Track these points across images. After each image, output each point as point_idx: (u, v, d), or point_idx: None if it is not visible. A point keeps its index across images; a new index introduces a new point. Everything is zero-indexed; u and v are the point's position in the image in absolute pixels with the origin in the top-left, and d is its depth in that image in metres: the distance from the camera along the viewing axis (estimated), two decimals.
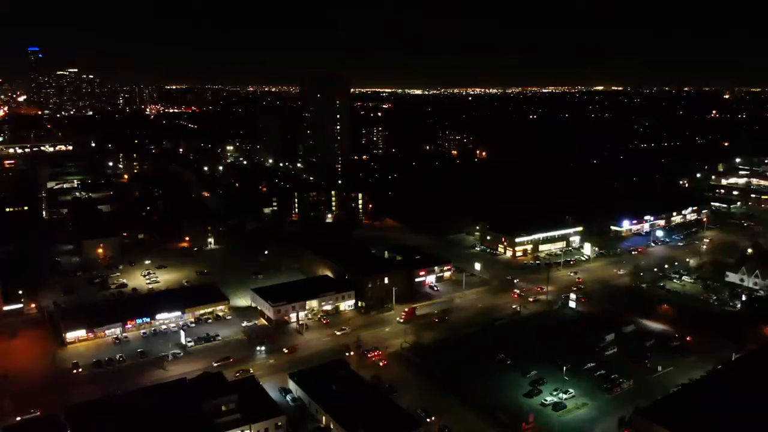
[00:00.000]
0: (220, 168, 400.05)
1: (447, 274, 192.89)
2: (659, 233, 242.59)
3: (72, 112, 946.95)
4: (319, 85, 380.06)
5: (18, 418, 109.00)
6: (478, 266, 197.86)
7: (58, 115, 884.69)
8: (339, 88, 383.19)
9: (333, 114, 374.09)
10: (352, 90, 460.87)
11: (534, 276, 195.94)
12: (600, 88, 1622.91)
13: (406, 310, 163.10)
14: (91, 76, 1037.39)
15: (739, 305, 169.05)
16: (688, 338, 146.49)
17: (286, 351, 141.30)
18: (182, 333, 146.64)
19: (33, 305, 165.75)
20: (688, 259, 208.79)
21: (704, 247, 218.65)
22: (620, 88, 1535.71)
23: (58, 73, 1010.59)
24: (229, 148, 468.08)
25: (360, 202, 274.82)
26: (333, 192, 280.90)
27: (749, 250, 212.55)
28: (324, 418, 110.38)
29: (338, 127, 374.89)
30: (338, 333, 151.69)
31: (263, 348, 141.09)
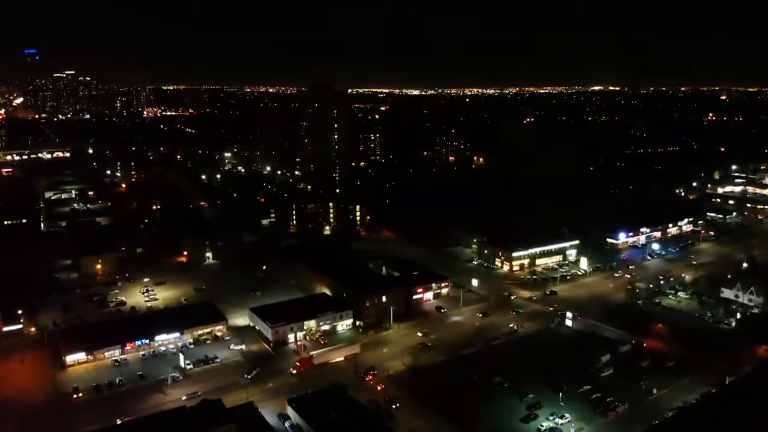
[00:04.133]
0: (218, 176, 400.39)
1: (444, 291, 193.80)
2: (655, 246, 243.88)
3: (69, 116, 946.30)
4: (318, 95, 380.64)
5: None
6: (475, 282, 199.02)
7: (56, 119, 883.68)
8: (338, 97, 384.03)
9: (331, 123, 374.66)
10: (349, 91, 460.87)
11: (531, 291, 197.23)
12: (598, 88, 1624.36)
13: (300, 359, 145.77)
14: (88, 79, 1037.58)
15: (734, 323, 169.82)
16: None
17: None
18: (181, 355, 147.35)
19: (33, 328, 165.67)
20: (683, 274, 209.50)
21: (698, 264, 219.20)
22: (617, 88, 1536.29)
23: (55, 75, 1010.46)
24: (227, 154, 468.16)
25: (358, 214, 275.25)
26: (331, 204, 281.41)
27: (744, 265, 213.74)
28: None
29: (336, 137, 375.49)
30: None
31: (256, 371, 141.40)
